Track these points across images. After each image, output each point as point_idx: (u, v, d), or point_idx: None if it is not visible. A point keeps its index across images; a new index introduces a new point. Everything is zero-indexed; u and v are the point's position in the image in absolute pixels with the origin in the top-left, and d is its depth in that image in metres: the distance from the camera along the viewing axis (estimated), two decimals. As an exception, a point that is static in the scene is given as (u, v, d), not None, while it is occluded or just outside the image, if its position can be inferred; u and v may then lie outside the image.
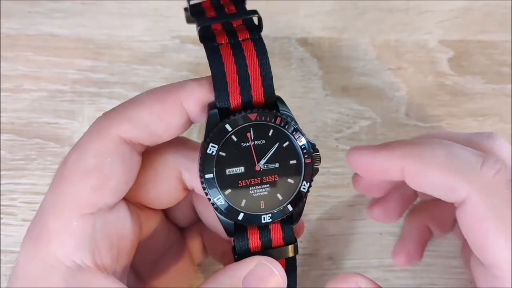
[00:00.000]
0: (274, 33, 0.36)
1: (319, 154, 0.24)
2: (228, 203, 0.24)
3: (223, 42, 0.24)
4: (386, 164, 0.26)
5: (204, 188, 0.23)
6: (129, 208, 0.25)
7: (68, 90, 0.35)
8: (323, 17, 0.37)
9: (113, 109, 0.24)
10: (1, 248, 0.33)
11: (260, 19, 0.24)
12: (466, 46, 0.37)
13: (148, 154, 0.26)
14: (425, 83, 0.36)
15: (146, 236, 0.27)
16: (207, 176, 0.23)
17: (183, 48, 0.36)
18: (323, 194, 0.34)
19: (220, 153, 0.24)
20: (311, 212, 0.34)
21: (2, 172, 0.34)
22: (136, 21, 0.36)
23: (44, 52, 0.36)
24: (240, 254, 0.24)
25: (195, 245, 0.30)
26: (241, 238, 0.24)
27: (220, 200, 0.24)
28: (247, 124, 0.24)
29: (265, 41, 0.24)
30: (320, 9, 0.37)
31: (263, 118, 0.24)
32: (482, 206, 0.24)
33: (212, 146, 0.23)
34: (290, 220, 0.25)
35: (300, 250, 0.35)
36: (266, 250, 0.24)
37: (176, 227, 0.30)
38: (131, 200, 0.26)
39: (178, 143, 0.27)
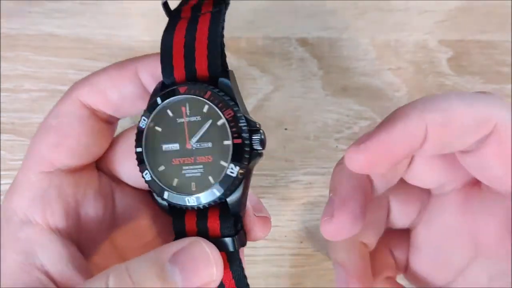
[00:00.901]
0: (274, 33, 0.36)
1: (259, 136, 0.22)
2: (155, 180, 0.22)
3: (184, 16, 0.23)
4: (406, 133, 0.22)
5: (137, 162, 0.23)
6: (100, 179, 0.26)
7: (68, 90, 0.35)
8: (323, 17, 0.37)
9: (82, 78, 0.25)
10: (1, 248, 0.33)
11: None
12: (465, 46, 0.37)
13: (125, 131, 0.27)
14: (425, 83, 0.36)
15: (124, 214, 0.27)
16: (137, 149, 0.23)
17: (183, 48, 0.36)
18: (323, 194, 0.34)
19: (156, 127, 0.23)
20: (311, 212, 0.34)
21: (2, 172, 0.34)
22: (136, 21, 0.36)
23: (44, 52, 0.36)
24: (178, 235, 0.23)
25: None
26: (178, 219, 0.23)
27: (147, 175, 0.22)
28: (178, 98, 0.22)
29: (265, 41, 0.23)
30: (320, 9, 0.37)
31: (192, 91, 0.22)
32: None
33: (143, 119, 0.23)
34: (228, 210, 0.22)
35: (300, 250, 0.34)
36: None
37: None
38: (105, 172, 0.26)
39: None
